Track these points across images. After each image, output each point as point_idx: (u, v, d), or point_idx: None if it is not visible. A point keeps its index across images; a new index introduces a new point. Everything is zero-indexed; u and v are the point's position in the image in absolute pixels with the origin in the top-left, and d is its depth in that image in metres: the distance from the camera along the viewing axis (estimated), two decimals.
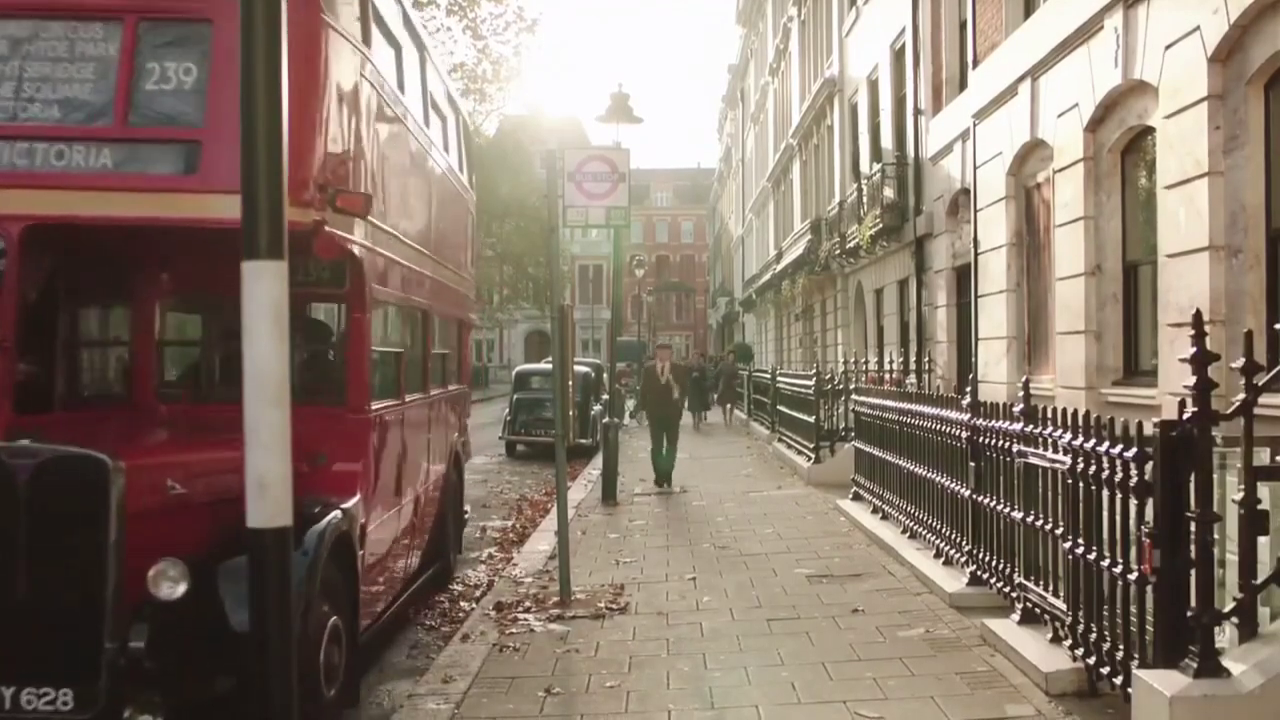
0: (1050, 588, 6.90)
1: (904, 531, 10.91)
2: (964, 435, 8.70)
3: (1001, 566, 7.93)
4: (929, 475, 9.89)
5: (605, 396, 20.76)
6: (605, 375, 23.07)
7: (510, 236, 51.97)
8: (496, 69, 38.46)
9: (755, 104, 51.74)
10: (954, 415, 8.99)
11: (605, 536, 12.55)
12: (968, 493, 8.67)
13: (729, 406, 33.78)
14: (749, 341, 53.86)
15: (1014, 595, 7.60)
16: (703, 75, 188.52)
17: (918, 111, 19.19)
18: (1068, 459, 6.34)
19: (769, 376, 24.08)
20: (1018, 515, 7.47)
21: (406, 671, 7.99)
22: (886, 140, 22.27)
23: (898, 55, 21.27)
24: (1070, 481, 6.33)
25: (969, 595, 8.47)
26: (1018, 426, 7.43)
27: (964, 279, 16.75)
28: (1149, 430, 5.43)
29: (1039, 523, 7.09)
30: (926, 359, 17.78)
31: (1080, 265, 10.90)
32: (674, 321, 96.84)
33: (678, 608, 8.92)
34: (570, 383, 9.60)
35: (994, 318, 14.09)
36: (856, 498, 13.45)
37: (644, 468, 19.78)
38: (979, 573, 8.46)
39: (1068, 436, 6.32)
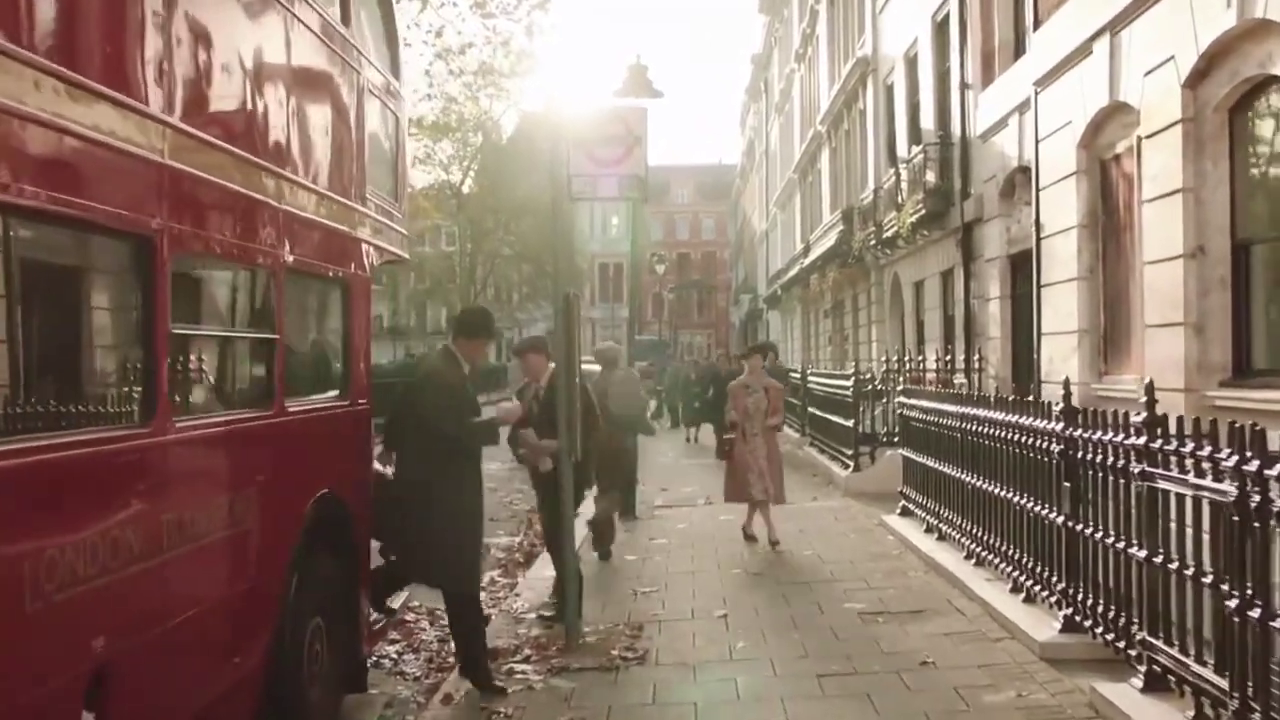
0: (1194, 651, 5.33)
1: (968, 557, 9.37)
2: (1055, 449, 7.14)
3: (1111, 615, 6.36)
4: (1002, 494, 8.35)
5: None
6: None
7: (528, 234, 50.71)
8: (513, 64, 37.16)
9: (780, 93, 50.22)
10: (1040, 424, 7.43)
11: (623, 559, 11.07)
12: (1060, 519, 7.11)
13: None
14: (774, 340, 52.31)
15: (1133, 653, 6.03)
16: (724, 70, 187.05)
17: (964, 86, 17.63)
18: (1233, 488, 4.75)
19: (799, 376, 22.50)
20: (1139, 553, 5.90)
21: None
22: (927, 120, 20.72)
23: (940, 26, 19.71)
24: (1236, 518, 4.75)
25: (1065, 645, 6.93)
26: (1139, 441, 5.87)
27: (1020, 268, 15.17)
28: None
29: (1173, 565, 5.53)
30: (976, 357, 16.18)
31: (1177, 246, 9.30)
32: (695, 319, 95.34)
33: (707, 656, 7.43)
34: (577, 382, 8.06)
35: (1062, 309, 12.48)
36: (905, 513, 11.94)
37: (665, 476, 18.33)
38: (1076, 617, 6.89)
39: (1234, 459, 4.73)
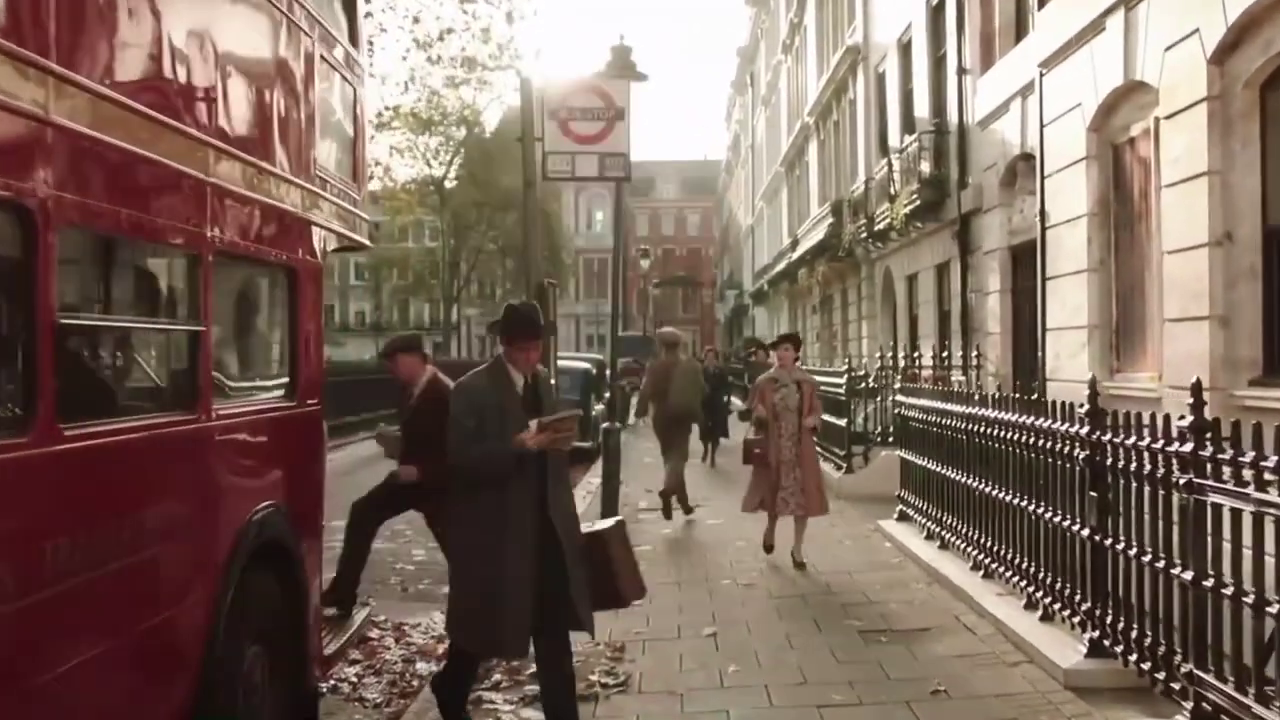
0: (1254, 690, 4.66)
1: (974, 568, 8.73)
2: (1079, 454, 6.47)
3: (1149, 641, 5.69)
4: (1015, 502, 7.70)
5: (607, 395, 18.44)
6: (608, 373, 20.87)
7: (513, 229, 50.02)
8: (494, 53, 36.43)
9: (766, 85, 49.60)
10: (1062, 427, 6.75)
11: None
12: (1086, 532, 6.43)
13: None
14: (760, 336, 51.68)
15: (1175, 686, 5.37)
16: (709, 67, 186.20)
17: (962, 71, 16.95)
18: None
19: None
20: (1185, 575, 5.24)
21: None
22: (922, 109, 20.07)
23: (935, 10, 19.06)
24: None
25: (1092, 672, 6.26)
26: (1186, 448, 5.19)
27: (1022, 260, 14.50)
28: None
29: (1228, 590, 4.87)
30: (974, 353, 15.50)
31: (1201, 233, 8.63)
32: (680, 315, 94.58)
33: (695, 682, 6.73)
34: (554, 381, 7.34)
35: (1069, 303, 11.80)
36: (903, 518, 11.32)
37: (650, 475, 17.68)
38: (1105, 641, 6.22)
39: None
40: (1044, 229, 12.57)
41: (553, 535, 5.42)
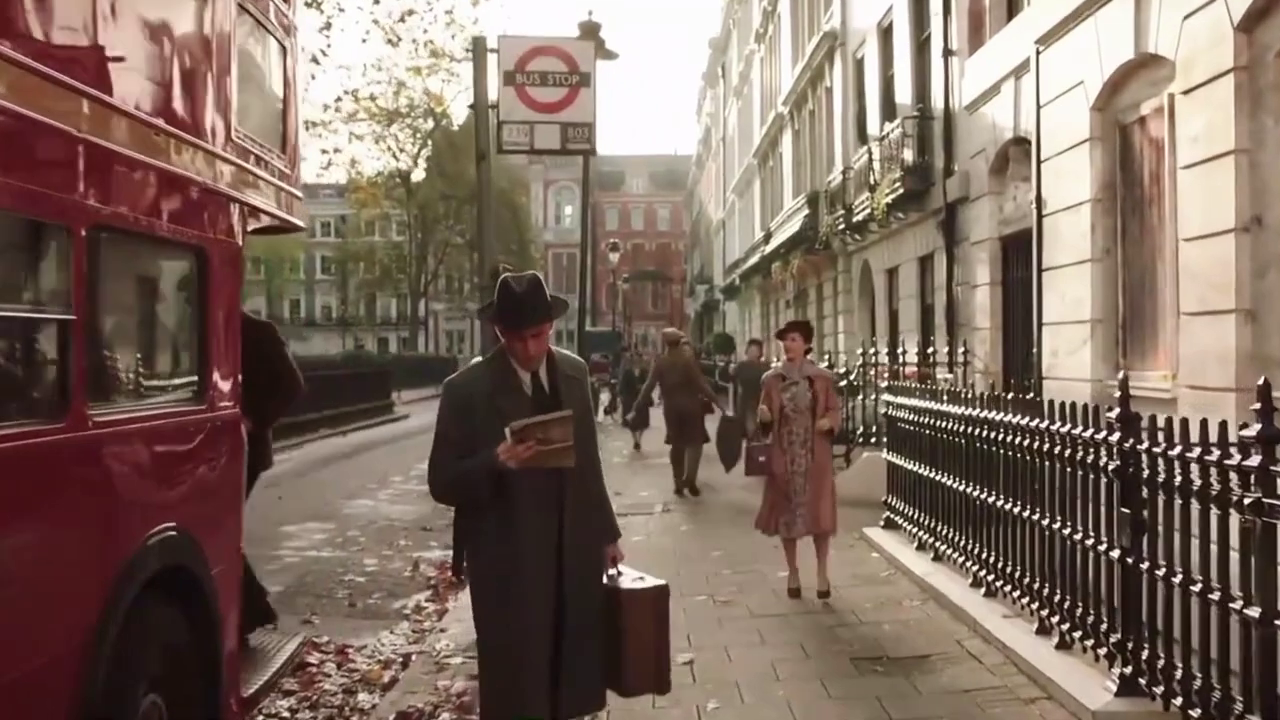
0: None
1: (975, 584, 7.98)
2: (1107, 464, 5.69)
3: (1198, 684, 4.90)
4: (1024, 514, 6.94)
5: None
6: None
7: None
8: (456, 34, 35.64)
9: (739, 76, 48.87)
10: (1086, 433, 5.96)
11: None
12: (1116, 553, 5.65)
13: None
14: (730, 331, 50.95)
15: None
16: (679, 62, 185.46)
17: (948, 53, 16.15)
18: None
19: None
20: (1250, 611, 4.44)
21: None
22: (903, 94, 19.29)
23: None
24: None
25: (1126, 714, 5.48)
26: (1252, 462, 4.40)
27: (1014, 250, 13.72)
28: None
29: None
30: (961, 349, 14.73)
31: (1226, 218, 7.86)
32: (650, 311, 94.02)
33: None
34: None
35: (1069, 296, 11.01)
36: (890, 525, 10.59)
37: (619, 477, 16.94)
38: (1140, 679, 5.43)
39: None
40: (1040, 217, 11.77)
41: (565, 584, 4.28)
